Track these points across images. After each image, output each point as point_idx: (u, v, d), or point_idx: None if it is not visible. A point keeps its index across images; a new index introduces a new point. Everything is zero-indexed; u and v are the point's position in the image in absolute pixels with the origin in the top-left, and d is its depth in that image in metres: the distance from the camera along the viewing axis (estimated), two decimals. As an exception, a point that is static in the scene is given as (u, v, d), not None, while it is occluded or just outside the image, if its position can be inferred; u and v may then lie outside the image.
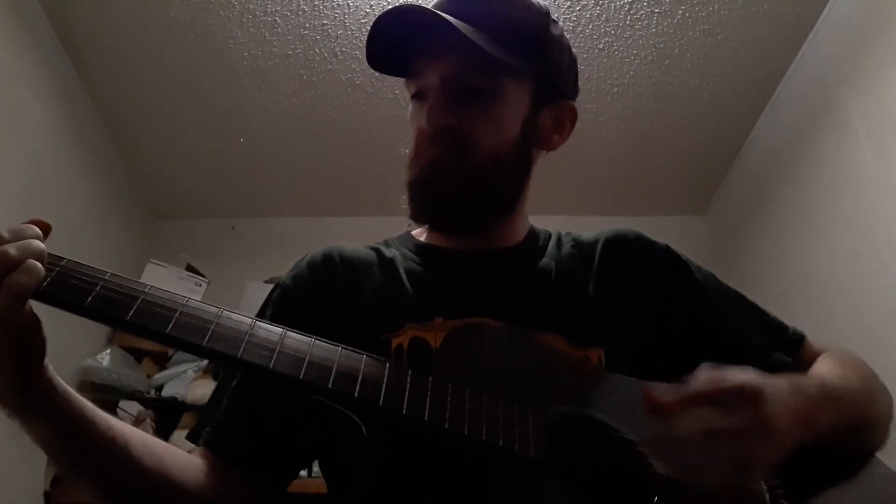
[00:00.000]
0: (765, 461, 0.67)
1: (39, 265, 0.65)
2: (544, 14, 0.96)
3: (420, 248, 1.00)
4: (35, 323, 0.67)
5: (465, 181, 0.91)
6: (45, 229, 0.69)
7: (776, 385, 0.71)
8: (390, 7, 0.89)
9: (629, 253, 1.00)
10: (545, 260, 0.99)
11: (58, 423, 0.71)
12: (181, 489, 0.81)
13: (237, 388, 0.90)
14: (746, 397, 0.68)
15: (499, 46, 0.88)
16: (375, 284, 0.94)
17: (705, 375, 0.69)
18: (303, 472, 1.23)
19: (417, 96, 0.95)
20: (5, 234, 0.65)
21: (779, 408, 0.69)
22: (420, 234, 1.03)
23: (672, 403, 0.67)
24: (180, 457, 0.84)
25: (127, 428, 0.78)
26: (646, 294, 0.97)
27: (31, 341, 0.67)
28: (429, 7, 0.89)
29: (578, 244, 1.02)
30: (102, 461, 0.76)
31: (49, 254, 0.67)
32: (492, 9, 0.91)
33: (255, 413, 0.88)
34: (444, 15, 0.86)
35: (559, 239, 1.04)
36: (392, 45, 0.92)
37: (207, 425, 0.89)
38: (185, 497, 0.81)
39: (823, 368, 0.91)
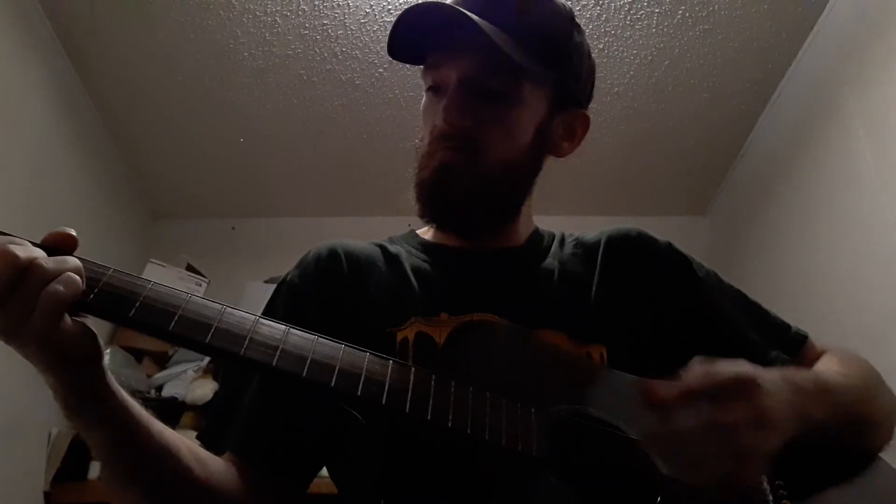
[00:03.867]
0: (762, 451, 0.68)
1: (77, 277, 0.63)
2: (569, 19, 0.95)
3: (425, 247, 1.01)
4: (85, 333, 0.66)
5: (475, 186, 0.91)
6: (72, 243, 0.67)
7: (771, 377, 0.72)
8: (414, 3, 0.88)
9: (631, 251, 1.01)
10: (549, 260, 0.99)
11: (115, 429, 0.71)
12: (222, 495, 0.81)
13: (257, 391, 0.89)
14: (743, 388, 0.69)
15: (521, 50, 0.87)
16: (381, 280, 0.95)
17: (700, 369, 0.70)
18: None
19: (433, 89, 0.94)
20: (38, 253, 0.63)
21: (774, 399, 0.70)
22: (425, 232, 1.04)
23: (669, 398, 0.68)
24: (218, 462, 0.84)
25: (175, 435, 0.78)
26: (647, 291, 0.97)
27: (82, 351, 0.66)
28: (454, 4, 0.89)
29: (581, 244, 1.02)
30: (155, 469, 0.75)
31: None
32: (518, 10, 0.90)
33: (279, 417, 0.87)
34: (468, 13, 0.85)
35: (562, 239, 1.04)
36: (415, 36, 0.91)
37: (229, 430, 0.88)
38: (224, 502, 0.81)
39: (822, 366, 0.92)
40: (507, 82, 0.90)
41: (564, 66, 0.94)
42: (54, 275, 0.62)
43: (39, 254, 0.63)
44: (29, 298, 0.61)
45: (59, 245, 0.66)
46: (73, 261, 0.65)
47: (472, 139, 0.90)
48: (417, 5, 0.88)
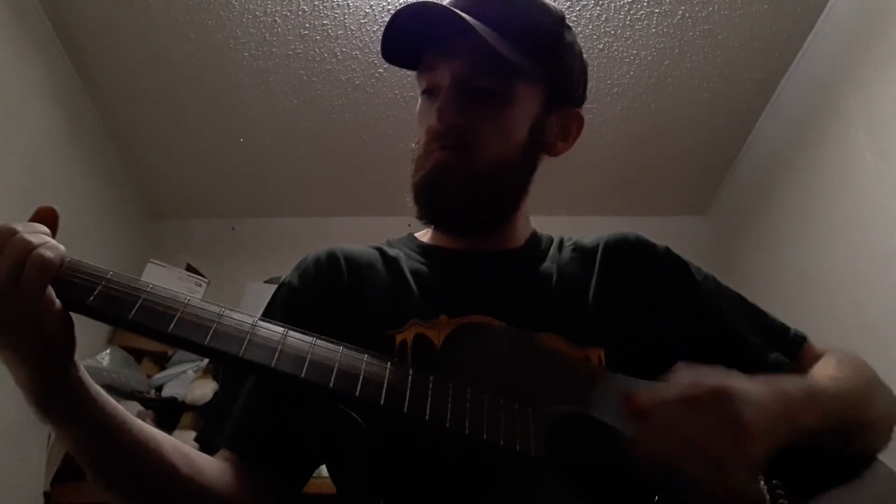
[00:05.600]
0: (738, 460, 0.68)
1: (60, 246, 0.66)
2: (560, 19, 0.96)
3: (424, 249, 1.01)
4: (64, 317, 0.67)
5: (470, 184, 0.91)
6: (53, 216, 0.71)
7: (753, 387, 0.72)
8: (408, 3, 0.88)
9: (630, 256, 1.01)
10: (547, 263, 1.00)
11: (88, 423, 0.71)
12: (213, 493, 0.80)
13: (253, 390, 0.89)
14: (720, 399, 0.69)
15: (513, 49, 0.88)
16: (380, 282, 0.95)
17: (683, 376, 0.71)
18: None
19: (428, 92, 0.95)
20: (19, 227, 0.66)
21: (753, 408, 0.70)
22: (423, 235, 1.04)
23: (646, 406, 0.70)
24: (208, 460, 0.83)
25: (158, 432, 0.78)
26: (646, 296, 0.97)
27: (60, 336, 0.67)
28: (446, 4, 0.89)
29: (579, 248, 1.03)
30: (135, 465, 0.75)
31: None
32: (508, 11, 0.91)
33: (274, 415, 0.87)
34: (461, 13, 0.86)
35: (560, 243, 1.05)
36: (407, 38, 0.92)
37: (223, 428, 0.88)
38: (216, 500, 0.81)
39: (817, 371, 0.92)
40: (500, 81, 0.91)
41: (556, 65, 0.95)
42: (38, 243, 0.65)
43: (19, 227, 0.66)
44: (15, 263, 0.63)
45: (40, 220, 0.70)
46: (53, 240, 0.68)
47: (466, 138, 0.91)
48: (409, 6, 0.88)
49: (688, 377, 0.71)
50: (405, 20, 0.89)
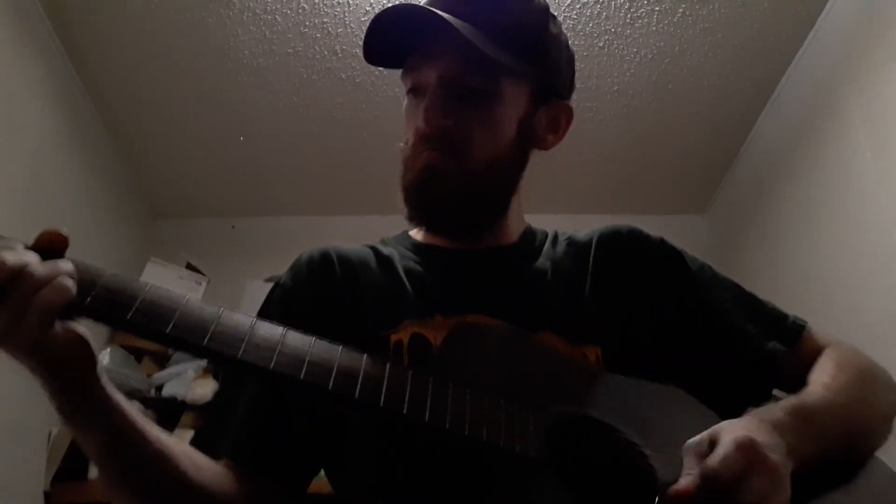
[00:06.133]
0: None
1: (69, 282, 0.63)
2: (543, 11, 0.95)
3: (418, 248, 1.00)
4: (75, 339, 0.66)
5: (461, 185, 0.91)
6: (62, 242, 0.66)
7: (764, 432, 0.72)
8: (390, 5, 0.88)
9: (624, 248, 1.00)
10: (541, 260, 0.99)
11: (108, 432, 0.71)
12: (220, 502, 0.81)
13: (253, 394, 0.89)
14: (752, 460, 0.68)
15: (497, 46, 0.87)
16: (374, 282, 0.94)
17: (698, 449, 0.70)
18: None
19: (414, 91, 0.94)
20: (26, 262, 0.62)
21: (778, 453, 0.70)
22: (417, 233, 1.03)
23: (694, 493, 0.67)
24: (215, 468, 0.84)
25: (173, 440, 0.78)
26: (641, 288, 0.96)
27: (74, 358, 0.66)
28: (428, 4, 0.89)
29: (574, 243, 1.02)
30: (150, 473, 0.75)
31: None
32: (491, 6, 0.90)
33: (275, 420, 0.87)
34: (443, 14, 0.85)
35: (555, 238, 1.04)
36: (390, 40, 0.91)
37: (224, 436, 0.88)
38: None
39: (812, 379, 0.90)
40: (486, 79, 0.90)
41: (542, 58, 0.94)
42: (45, 281, 0.61)
43: (30, 259, 0.62)
44: (19, 307, 0.60)
45: (49, 245, 0.65)
46: (65, 265, 0.64)
47: (454, 139, 0.90)
48: (388, 10, 0.88)
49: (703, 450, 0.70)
50: (387, 23, 0.89)
